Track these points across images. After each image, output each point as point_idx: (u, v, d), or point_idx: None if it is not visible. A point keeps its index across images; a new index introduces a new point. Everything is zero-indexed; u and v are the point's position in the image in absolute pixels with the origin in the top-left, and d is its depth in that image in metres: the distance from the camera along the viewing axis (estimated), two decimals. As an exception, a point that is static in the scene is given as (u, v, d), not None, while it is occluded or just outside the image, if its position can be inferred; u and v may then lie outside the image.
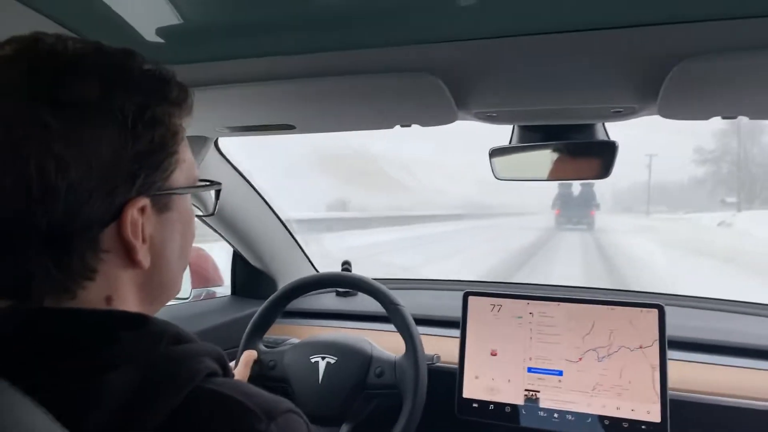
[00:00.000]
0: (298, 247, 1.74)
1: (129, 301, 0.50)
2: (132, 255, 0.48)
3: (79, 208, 0.43)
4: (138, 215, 0.47)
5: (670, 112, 0.84)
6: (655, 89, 0.77)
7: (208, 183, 0.59)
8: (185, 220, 0.54)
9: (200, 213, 0.62)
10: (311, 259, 1.81)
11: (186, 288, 1.55)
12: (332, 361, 1.16)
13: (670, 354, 1.15)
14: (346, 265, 1.67)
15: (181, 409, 0.44)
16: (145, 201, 0.47)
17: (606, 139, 1.03)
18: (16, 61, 0.44)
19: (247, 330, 1.23)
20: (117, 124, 0.45)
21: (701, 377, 1.20)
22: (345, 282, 1.27)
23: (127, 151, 0.45)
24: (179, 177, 0.51)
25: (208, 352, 0.50)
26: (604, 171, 1.00)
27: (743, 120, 0.87)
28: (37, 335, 0.43)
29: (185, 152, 0.53)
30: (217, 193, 0.64)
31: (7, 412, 0.32)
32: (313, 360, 1.17)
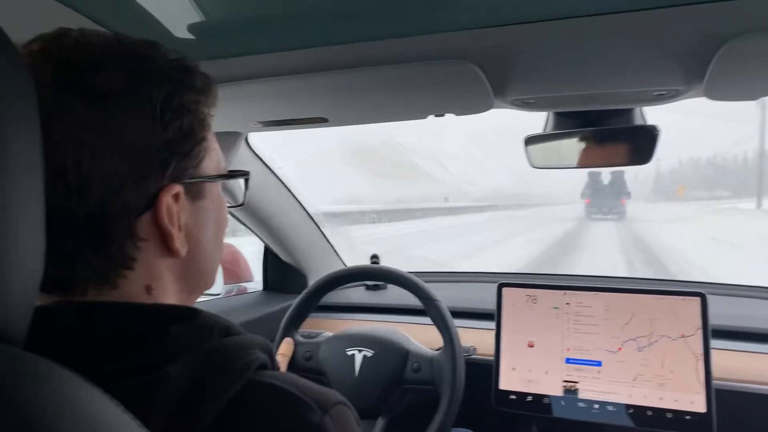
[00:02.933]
0: (327, 242, 1.74)
1: (169, 291, 0.50)
2: (169, 242, 0.48)
3: (114, 197, 0.44)
4: (173, 202, 0.47)
5: (718, 93, 0.82)
6: (701, 70, 0.74)
7: (238, 172, 0.60)
8: (218, 208, 0.55)
9: (230, 204, 0.61)
10: (340, 254, 1.81)
11: (218, 284, 1.57)
12: (369, 355, 1.16)
13: (713, 343, 1.12)
14: (375, 258, 1.67)
15: (236, 401, 0.44)
16: (178, 188, 0.48)
17: (644, 123, 1.00)
18: (45, 57, 0.44)
19: (283, 322, 1.24)
20: (146, 112, 0.45)
21: (745, 366, 1.17)
22: (381, 275, 1.27)
23: (157, 139, 0.46)
24: (209, 165, 0.52)
25: (258, 344, 0.50)
26: (645, 156, 0.97)
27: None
28: (92, 330, 0.44)
29: (213, 141, 0.53)
30: (246, 182, 0.64)
31: (82, 404, 0.32)
32: (349, 353, 1.17)
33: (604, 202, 29.19)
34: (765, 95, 0.82)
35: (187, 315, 0.48)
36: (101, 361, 0.42)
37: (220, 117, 0.54)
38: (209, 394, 0.43)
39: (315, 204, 1.65)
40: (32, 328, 0.36)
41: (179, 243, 0.49)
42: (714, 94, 0.82)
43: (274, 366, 0.52)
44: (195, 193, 0.51)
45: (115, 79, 0.45)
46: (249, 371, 0.46)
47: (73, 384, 0.34)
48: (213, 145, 0.53)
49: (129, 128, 0.44)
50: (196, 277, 0.53)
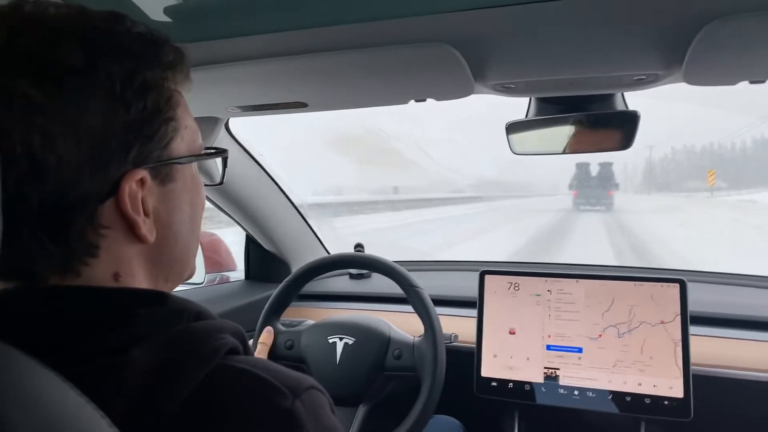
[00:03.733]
0: (310, 231, 1.73)
1: (138, 278, 0.48)
2: (135, 230, 0.46)
3: (71, 184, 0.41)
4: (137, 188, 0.45)
5: (697, 77, 0.82)
6: (680, 54, 0.74)
7: (213, 150, 0.57)
8: (192, 189, 0.52)
9: (207, 183, 0.59)
10: (324, 243, 1.80)
11: (200, 273, 1.55)
12: (350, 342, 1.15)
13: (692, 329, 1.14)
14: (359, 247, 1.66)
15: (204, 385, 0.43)
16: (143, 173, 0.45)
17: (626, 108, 1.00)
18: None
19: (264, 310, 1.23)
20: (104, 92, 0.42)
21: (723, 352, 1.18)
22: (363, 263, 1.26)
23: (118, 121, 0.43)
24: (180, 145, 0.49)
25: (229, 328, 0.49)
26: (626, 142, 0.97)
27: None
28: (54, 314, 0.42)
29: (185, 119, 0.50)
30: (224, 161, 0.61)
31: (39, 389, 0.31)
32: (330, 340, 1.16)
33: (592, 193, 29.43)
34: (743, 80, 0.82)
35: (155, 299, 0.47)
36: (62, 346, 0.41)
37: (197, 101, 0.52)
38: (176, 377, 0.42)
39: (299, 194, 1.64)
40: None
41: (146, 229, 0.47)
42: (693, 78, 0.82)
43: (248, 352, 0.50)
44: (164, 176, 0.48)
45: (70, 56, 0.42)
46: (218, 355, 0.45)
47: (29, 368, 0.33)
48: (185, 123, 0.50)
49: (85, 109, 0.41)
50: (168, 263, 0.51)
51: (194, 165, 0.53)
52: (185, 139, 0.50)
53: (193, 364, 0.43)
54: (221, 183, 0.64)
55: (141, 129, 0.45)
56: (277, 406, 0.44)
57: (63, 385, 0.33)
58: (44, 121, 0.40)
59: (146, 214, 0.47)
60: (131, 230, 0.46)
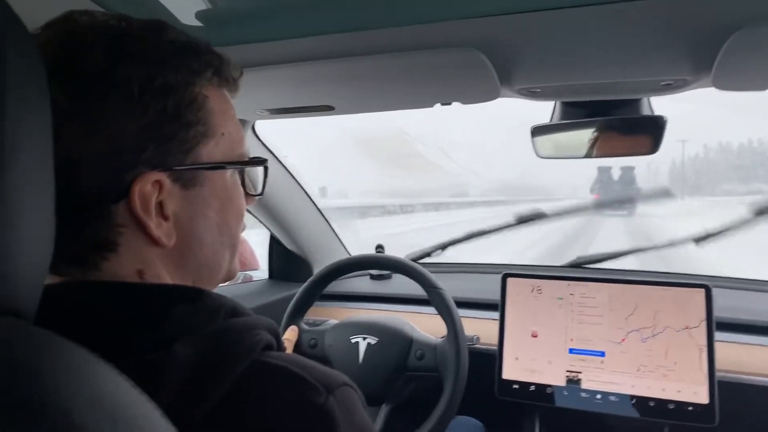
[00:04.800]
0: (332, 232, 1.75)
1: (163, 278, 0.48)
2: (147, 231, 0.46)
3: (86, 182, 0.43)
4: (152, 190, 0.45)
5: (726, 82, 0.81)
6: (710, 60, 0.74)
7: (249, 159, 0.56)
8: (223, 197, 0.51)
9: (249, 192, 0.59)
10: (344, 244, 1.82)
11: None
12: (373, 342, 1.16)
13: (717, 335, 1.12)
14: (380, 248, 1.67)
15: (242, 381, 0.44)
16: (159, 175, 0.45)
17: (652, 113, 1.00)
18: (48, 43, 0.44)
19: (288, 309, 1.24)
20: (122, 94, 0.43)
21: (749, 358, 1.17)
22: (386, 264, 1.27)
23: (133, 123, 0.44)
24: (212, 151, 0.49)
25: (263, 324, 0.50)
26: (652, 147, 0.97)
27: None
28: (99, 308, 0.44)
29: (222, 126, 0.50)
30: (266, 170, 0.60)
31: (96, 378, 0.33)
32: (353, 340, 1.18)
33: (615, 197, 29.14)
34: (774, 85, 0.82)
35: (193, 296, 0.47)
36: (106, 339, 0.41)
37: (226, 105, 0.53)
38: (214, 374, 0.43)
39: (324, 200, 1.65)
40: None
41: (161, 232, 0.47)
42: (722, 83, 0.82)
43: (281, 347, 0.51)
44: (187, 180, 0.48)
45: (92, 59, 0.43)
46: (254, 352, 0.46)
47: (85, 358, 0.34)
48: (221, 129, 0.50)
49: (103, 111, 0.43)
50: (195, 268, 0.51)
51: (229, 173, 0.52)
52: (221, 145, 0.50)
53: (231, 360, 0.44)
54: (262, 194, 0.60)
55: (158, 131, 0.45)
56: (312, 402, 0.45)
57: (118, 376, 0.34)
58: (62, 121, 0.41)
59: (164, 217, 0.47)
60: (145, 232, 0.46)
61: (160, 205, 0.46)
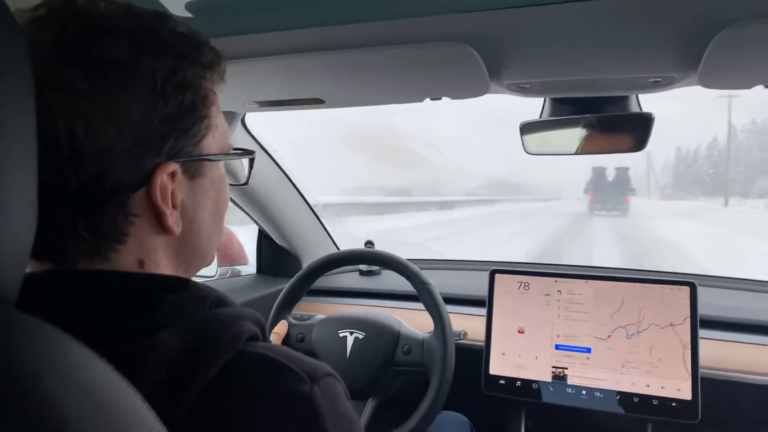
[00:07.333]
0: (321, 227, 1.75)
1: (162, 266, 0.50)
2: (162, 220, 0.47)
3: (108, 171, 0.43)
4: (168, 180, 0.47)
5: (712, 81, 0.82)
6: (696, 57, 0.75)
7: (241, 151, 0.59)
8: (217, 186, 0.54)
9: (232, 182, 0.61)
10: (334, 239, 1.82)
11: (212, 266, 1.57)
12: (360, 337, 1.17)
13: (701, 332, 1.14)
14: (369, 243, 1.67)
15: (226, 370, 0.44)
16: (174, 166, 0.47)
17: (640, 111, 1.01)
18: (48, 22, 0.44)
19: (276, 303, 1.24)
20: (146, 86, 0.44)
21: (732, 356, 1.18)
22: (375, 259, 1.27)
23: (156, 115, 0.45)
24: (211, 143, 0.51)
25: (249, 315, 0.50)
26: (639, 144, 0.98)
27: None
28: (84, 296, 0.44)
29: (217, 118, 0.52)
30: (251, 162, 0.63)
31: (78, 364, 0.32)
32: (341, 335, 1.18)
33: (608, 198, 29.45)
34: (758, 84, 0.83)
35: (180, 285, 0.48)
36: (92, 327, 0.42)
37: (215, 96, 0.53)
38: (199, 362, 0.43)
39: (314, 195, 1.65)
40: (23, 294, 0.36)
41: (173, 221, 0.48)
42: (708, 82, 0.82)
43: (266, 339, 0.52)
44: (193, 171, 0.50)
45: (116, 50, 0.44)
46: (240, 342, 0.46)
47: (69, 344, 0.34)
48: (217, 122, 0.52)
49: (127, 101, 0.43)
50: (191, 255, 0.53)
51: (222, 164, 0.54)
52: (216, 137, 0.52)
53: (216, 349, 0.44)
54: (246, 183, 0.65)
55: (177, 124, 0.47)
56: (296, 391, 0.45)
57: (101, 363, 0.34)
58: (88, 110, 0.42)
59: (174, 206, 0.48)
60: (158, 220, 0.48)
61: (172, 195, 0.48)
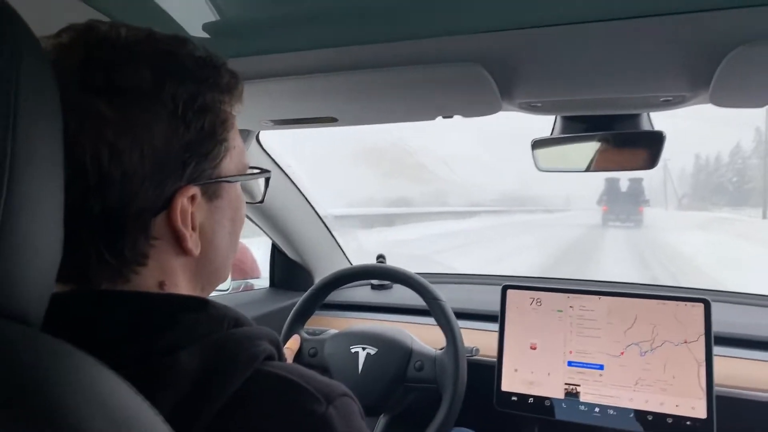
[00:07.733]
0: (334, 242, 1.76)
1: (181, 287, 0.51)
2: (182, 243, 0.48)
3: (131, 196, 0.44)
4: (188, 204, 0.48)
5: (723, 99, 0.82)
6: (707, 77, 0.75)
7: (258, 171, 0.59)
8: (235, 207, 0.55)
9: (248, 200, 0.62)
10: (346, 253, 1.83)
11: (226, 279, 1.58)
12: (372, 352, 1.17)
13: (716, 350, 1.13)
14: (381, 258, 1.68)
15: (243, 390, 0.45)
16: (194, 190, 0.48)
17: (651, 128, 1.01)
18: (71, 50, 0.44)
19: (289, 318, 1.25)
20: (168, 112, 0.45)
21: (747, 373, 1.17)
22: (387, 274, 1.28)
23: (178, 140, 0.46)
24: (229, 165, 0.52)
25: (266, 335, 0.51)
26: (650, 162, 0.98)
27: None
28: (106, 316, 0.45)
29: (235, 139, 0.53)
30: (267, 180, 0.64)
31: (100, 385, 0.33)
32: (353, 350, 1.18)
33: (622, 209, 29.26)
34: (770, 103, 0.83)
35: (198, 306, 0.49)
36: (112, 347, 0.43)
37: (232, 115, 0.55)
38: (217, 382, 0.44)
39: (326, 206, 1.67)
40: (47, 314, 0.37)
41: (192, 243, 0.49)
42: (719, 100, 0.83)
43: (282, 358, 0.52)
44: (212, 193, 0.51)
45: (139, 76, 0.44)
46: (256, 362, 0.47)
47: (92, 366, 0.34)
48: (234, 143, 0.53)
49: (150, 127, 0.44)
50: (209, 275, 0.54)
51: (239, 183, 0.55)
52: (234, 158, 0.53)
53: (234, 369, 0.45)
54: (262, 201, 0.67)
55: (197, 148, 0.48)
56: (311, 412, 0.46)
57: (121, 383, 0.35)
58: (113, 136, 0.43)
59: (193, 228, 0.49)
60: (178, 243, 0.48)
61: (191, 217, 0.49)
